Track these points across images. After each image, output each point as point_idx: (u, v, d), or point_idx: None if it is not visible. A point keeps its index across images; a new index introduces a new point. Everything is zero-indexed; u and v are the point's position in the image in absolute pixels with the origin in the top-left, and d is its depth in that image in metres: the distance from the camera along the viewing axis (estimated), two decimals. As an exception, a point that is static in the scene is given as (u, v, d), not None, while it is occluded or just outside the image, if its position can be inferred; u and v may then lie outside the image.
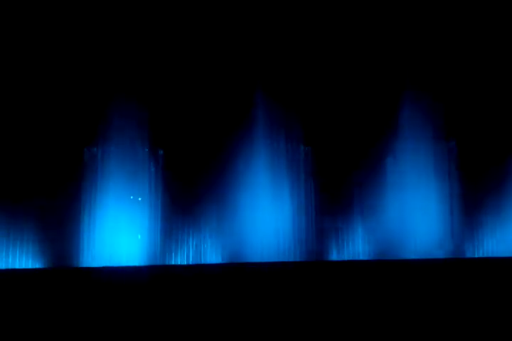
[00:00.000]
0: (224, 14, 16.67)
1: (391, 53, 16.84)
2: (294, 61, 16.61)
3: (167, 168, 15.83)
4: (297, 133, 16.19)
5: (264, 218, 15.74)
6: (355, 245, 16.32)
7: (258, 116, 16.04)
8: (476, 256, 16.39)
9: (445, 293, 11.52)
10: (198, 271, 13.88)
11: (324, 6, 16.85)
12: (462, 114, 16.70)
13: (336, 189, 16.26)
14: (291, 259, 15.61)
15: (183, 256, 15.83)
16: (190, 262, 15.77)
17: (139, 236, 15.53)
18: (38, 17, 16.28)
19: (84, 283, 12.07)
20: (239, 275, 12.36)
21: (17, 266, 15.27)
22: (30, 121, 15.99)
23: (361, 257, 16.23)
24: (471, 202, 16.27)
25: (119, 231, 15.37)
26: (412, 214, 15.90)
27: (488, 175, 16.46)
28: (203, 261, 15.77)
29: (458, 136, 16.44)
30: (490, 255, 16.38)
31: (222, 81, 16.51)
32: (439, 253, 15.55)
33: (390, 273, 12.41)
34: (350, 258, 16.21)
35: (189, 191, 15.84)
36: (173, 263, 15.70)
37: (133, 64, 16.10)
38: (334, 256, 16.22)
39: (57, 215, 15.49)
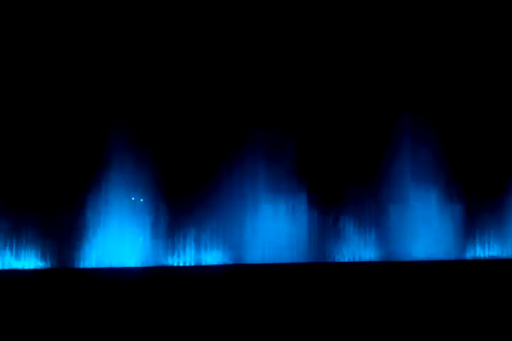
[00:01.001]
0: (220, 23, 16.69)
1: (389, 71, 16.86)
2: (290, 72, 16.63)
3: (169, 170, 15.83)
4: (297, 133, 16.21)
5: (265, 220, 15.74)
6: (359, 247, 16.30)
7: (257, 117, 16.08)
8: (480, 257, 16.38)
9: (448, 295, 11.51)
10: (200, 272, 13.89)
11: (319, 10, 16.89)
12: (464, 114, 16.69)
13: (338, 190, 16.25)
14: (293, 261, 15.59)
15: (185, 257, 15.83)
16: (192, 263, 15.77)
17: (141, 239, 15.54)
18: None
19: (86, 284, 12.09)
20: (240, 277, 12.36)
21: (19, 267, 15.29)
22: (32, 122, 16.00)
23: (363, 259, 16.22)
24: (474, 203, 16.26)
25: (121, 232, 15.39)
26: (415, 215, 15.90)
27: (491, 176, 16.46)
28: (204, 263, 15.76)
29: (460, 136, 16.43)
30: (493, 257, 16.37)
31: (220, 79, 16.53)
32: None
33: (392, 274, 12.41)
34: (352, 260, 16.19)
35: (191, 192, 15.85)
36: (175, 264, 15.71)
37: (133, 58, 16.16)
38: (336, 257, 16.21)
39: (59, 217, 15.50)
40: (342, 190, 16.18)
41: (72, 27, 16.37)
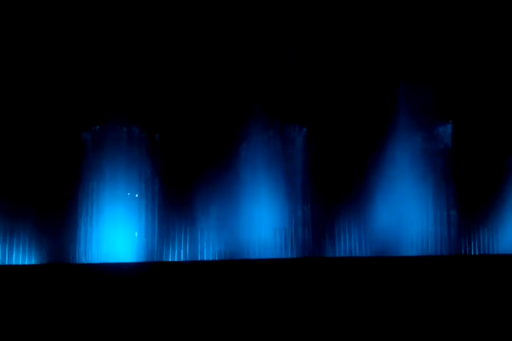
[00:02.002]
0: (224, 8, 16.63)
1: (388, 48, 16.83)
2: (293, 55, 16.59)
3: (164, 164, 15.82)
4: (296, 130, 16.21)
5: (260, 215, 15.76)
6: (351, 242, 16.35)
7: (257, 111, 16.06)
8: (473, 252, 16.43)
9: (441, 290, 11.56)
10: (195, 267, 13.89)
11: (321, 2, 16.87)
12: (461, 111, 16.72)
13: (334, 186, 16.28)
14: (288, 256, 15.64)
15: (179, 253, 15.84)
16: (187, 259, 15.78)
17: (136, 234, 15.54)
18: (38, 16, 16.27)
19: (81, 279, 12.08)
20: (235, 272, 12.37)
21: (13, 263, 15.27)
22: (24, 117, 15.94)
23: (357, 254, 16.26)
24: (469, 199, 16.31)
25: (116, 227, 15.37)
26: (409, 210, 15.94)
27: (487, 171, 16.50)
28: (199, 258, 15.78)
29: (457, 134, 16.47)
30: (487, 252, 16.43)
31: (221, 72, 16.48)
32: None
33: (386, 269, 12.45)
34: (346, 254, 16.23)
35: (186, 187, 15.85)
36: (169, 259, 15.71)
37: (131, 52, 16.09)
38: (330, 252, 16.25)
39: (54, 212, 15.47)
40: (339, 187, 16.27)
41: (68, 26, 16.36)
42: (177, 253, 15.82)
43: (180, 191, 15.84)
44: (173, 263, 15.40)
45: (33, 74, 16.11)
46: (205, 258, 15.71)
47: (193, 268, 13.72)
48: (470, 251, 16.47)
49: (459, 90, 16.83)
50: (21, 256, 15.36)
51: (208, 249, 15.82)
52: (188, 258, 15.78)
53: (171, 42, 16.53)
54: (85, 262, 15.09)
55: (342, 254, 16.19)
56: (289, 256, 15.66)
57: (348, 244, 16.33)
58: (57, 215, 15.43)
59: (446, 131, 16.40)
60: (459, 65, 16.83)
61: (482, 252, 16.46)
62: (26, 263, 15.29)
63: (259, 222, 15.72)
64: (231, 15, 16.55)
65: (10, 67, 16.05)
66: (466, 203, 16.31)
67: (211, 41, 16.60)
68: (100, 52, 16.17)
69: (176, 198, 15.81)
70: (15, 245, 15.38)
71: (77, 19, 16.32)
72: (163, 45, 16.49)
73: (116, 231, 15.35)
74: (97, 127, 15.68)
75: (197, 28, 16.60)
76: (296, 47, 16.69)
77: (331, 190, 16.26)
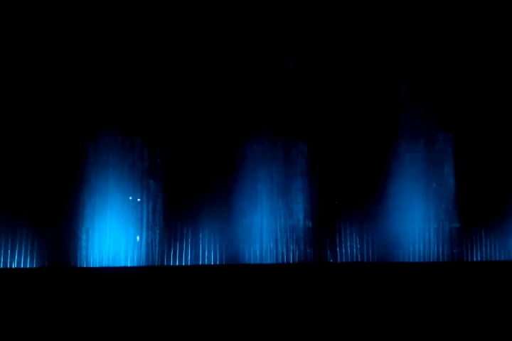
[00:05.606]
0: (224, 17, 16.69)
1: (390, 51, 16.85)
2: (294, 62, 16.63)
3: (166, 169, 15.84)
4: (296, 131, 16.22)
5: (262, 220, 15.77)
6: (353, 247, 16.35)
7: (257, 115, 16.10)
8: (474, 259, 16.42)
9: (443, 296, 11.56)
10: (196, 272, 13.91)
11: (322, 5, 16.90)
12: (462, 113, 16.72)
13: (335, 190, 16.30)
14: (289, 261, 15.64)
15: (181, 257, 15.85)
16: (189, 263, 15.80)
17: (138, 238, 15.54)
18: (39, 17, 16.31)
19: (83, 283, 12.09)
20: (236, 277, 12.38)
21: (14, 266, 15.28)
22: (25, 119, 15.97)
23: (358, 259, 16.25)
24: (470, 204, 16.30)
25: (118, 231, 15.39)
26: (410, 216, 15.95)
27: (490, 177, 16.50)
28: (201, 263, 15.79)
29: (457, 138, 16.48)
30: (488, 258, 16.42)
31: (222, 82, 16.52)
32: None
33: (387, 275, 12.45)
34: (348, 260, 16.23)
35: (188, 192, 15.86)
36: (171, 264, 15.72)
37: (132, 60, 16.13)
38: (331, 258, 16.25)
39: (55, 215, 15.49)
40: (342, 192, 16.29)
41: (67, 29, 16.40)
42: (178, 258, 15.82)
43: (182, 194, 15.86)
44: (174, 267, 15.42)
45: (32, 80, 16.16)
46: (206, 263, 15.74)
47: (194, 272, 13.74)
48: (472, 257, 16.47)
49: (462, 100, 16.86)
50: (22, 259, 15.38)
51: (209, 253, 15.84)
52: (189, 263, 15.79)
53: (172, 52, 16.58)
54: (86, 266, 15.11)
55: (343, 260, 16.20)
56: (290, 261, 15.67)
57: (350, 250, 16.33)
58: (58, 219, 15.45)
59: (448, 138, 16.43)
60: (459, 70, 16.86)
61: (484, 259, 16.45)
62: (28, 266, 15.31)
63: (261, 226, 15.74)
64: (230, 28, 16.60)
65: (10, 73, 16.10)
66: (469, 209, 16.30)
67: (213, 53, 16.67)
68: (102, 60, 16.20)
69: (178, 202, 15.83)
70: (16, 249, 15.40)
71: (80, 31, 16.38)
72: (165, 54, 16.53)
73: (118, 235, 15.38)
74: (98, 131, 15.73)
75: (197, 41, 16.67)
76: (297, 53, 16.72)
77: (333, 195, 16.29)
